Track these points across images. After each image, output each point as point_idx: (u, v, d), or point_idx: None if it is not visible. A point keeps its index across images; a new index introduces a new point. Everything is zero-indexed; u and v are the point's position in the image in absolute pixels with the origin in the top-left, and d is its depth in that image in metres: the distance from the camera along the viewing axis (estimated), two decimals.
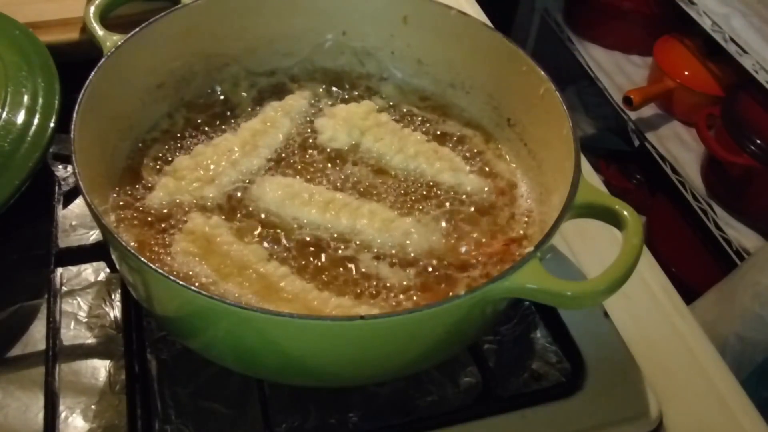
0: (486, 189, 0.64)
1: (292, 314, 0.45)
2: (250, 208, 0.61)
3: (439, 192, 0.64)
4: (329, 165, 0.65)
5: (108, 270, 0.64)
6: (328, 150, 0.66)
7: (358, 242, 0.58)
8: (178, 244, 0.56)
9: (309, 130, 0.68)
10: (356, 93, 0.72)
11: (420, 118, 0.70)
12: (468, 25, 0.67)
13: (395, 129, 0.68)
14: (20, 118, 0.63)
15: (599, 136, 1.97)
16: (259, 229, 0.59)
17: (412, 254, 0.58)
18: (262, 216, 0.60)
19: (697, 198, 1.52)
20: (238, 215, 0.60)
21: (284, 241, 0.58)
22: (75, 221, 0.69)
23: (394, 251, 0.58)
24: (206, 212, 0.60)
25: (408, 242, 0.58)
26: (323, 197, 0.60)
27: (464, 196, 0.63)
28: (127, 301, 0.60)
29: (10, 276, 0.64)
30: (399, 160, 0.65)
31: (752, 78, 1.34)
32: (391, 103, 0.72)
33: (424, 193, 0.63)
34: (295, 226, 0.59)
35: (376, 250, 0.58)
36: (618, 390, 0.59)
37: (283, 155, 0.66)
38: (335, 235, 0.59)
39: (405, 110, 0.71)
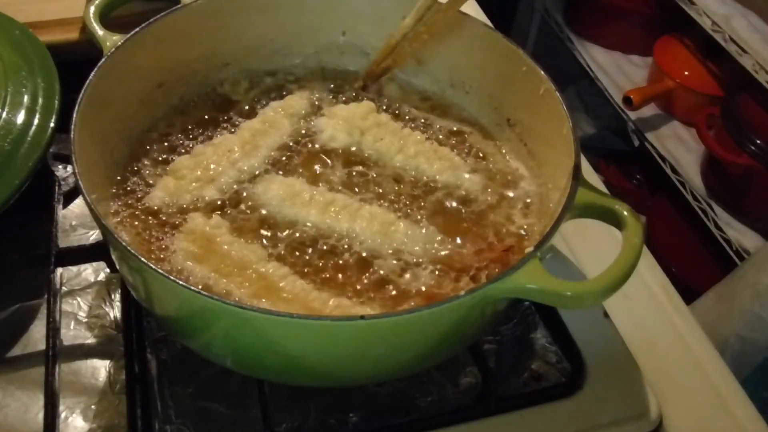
0: (486, 189, 0.64)
1: (291, 314, 0.45)
2: (251, 208, 0.61)
3: (438, 192, 0.64)
4: (329, 165, 0.65)
5: (108, 270, 0.64)
6: (328, 150, 0.66)
7: (357, 244, 0.58)
8: (179, 243, 0.56)
9: (309, 130, 0.68)
10: (356, 93, 0.72)
11: (420, 118, 0.70)
12: (468, 25, 0.67)
13: (395, 129, 0.68)
14: (20, 118, 0.63)
15: (599, 136, 1.96)
16: (260, 229, 0.59)
17: (412, 257, 0.58)
18: (263, 216, 0.60)
19: (697, 198, 1.52)
20: (239, 215, 0.60)
21: (284, 241, 0.58)
22: (75, 221, 0.69)
23: (393, 254, 0.58)
24: (206, 212, 0.60)
25: (407, 245, 0.58)
26: (324, 198, 0.60)
27: (464, 197, 0.63)
28: (127, 301, 0.60)
29: (10, 276, 0.64)
30: (399, 160, 0.65)
31: (752, 78, 1.34)
32: (392, 103, 0.72)
33: (424, 193, 0.63)
34: (296, 226, 0.59)
35: (375, 253, 0.58)
36: (618, 390, 0.59)
37: (283, 155, 0.66)
38: (335, 237, 0.59)
39: (405, 110, 0.71)
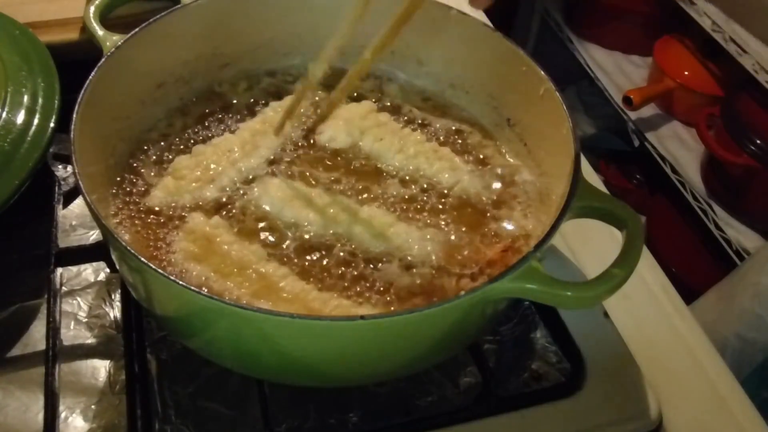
0: (485, 189, 0.64)
1: (291, 314, 0.45)
2: (251, 210, 0.60)
3: (438, 193, 0.64)
4: (329, 165, 0.65)
5: (108, 270, 0.64)
6: (328, 150, 0.66)
7: (356, 245, 0.58)
8: (179, 243, 0.56)
9: (309, 130, 0.68)
10: (356, 93, 0.72)
11: (420, 118, 0.70)
12: (468, 25, 0.67)
13: (395, 129, 0.68)
14: (20, 118, 0.63)
15: (599, 136, 1.96)
16: (259, 230, 0.59)
17: (411, 258, 0.58)
18: (263, 217, 0.60)
19: (697, 198, 1.52)
20: (239, 215, 0.60)
21: (284, 242, 0.58)
22: (75, 221, 0.69)
23: (393, 255, 0.58)
24: (206, 212, 0.60)
25: (406, 247, 0.58)
26: (322, 200, 0.60)
27: (464, 197, 0.63)
28: (127, 301, 0.60)
29: (10, 276, 0.64)
30: (399, 160, 0.65)
31: (752, 78, 1.34)
32: (391, 103, 0.72)
33: (424, 194, 0.63)
34: (295, 228, 0.59)
35: (375, 254, 0.58)
36: (618, 390, 0.59)
37: (283, 155, 0.65)
38: (334, 238, 0.59)
39: (406, 110, 0.71)
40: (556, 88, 0.59)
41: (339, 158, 0.66)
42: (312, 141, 0.67)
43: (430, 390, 0.59)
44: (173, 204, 0.60)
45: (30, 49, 0.70)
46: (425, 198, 0.63)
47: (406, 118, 0.70)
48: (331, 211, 0.60)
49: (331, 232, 0.59)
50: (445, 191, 0.64)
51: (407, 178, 0.65)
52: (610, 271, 0.48)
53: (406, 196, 0.63)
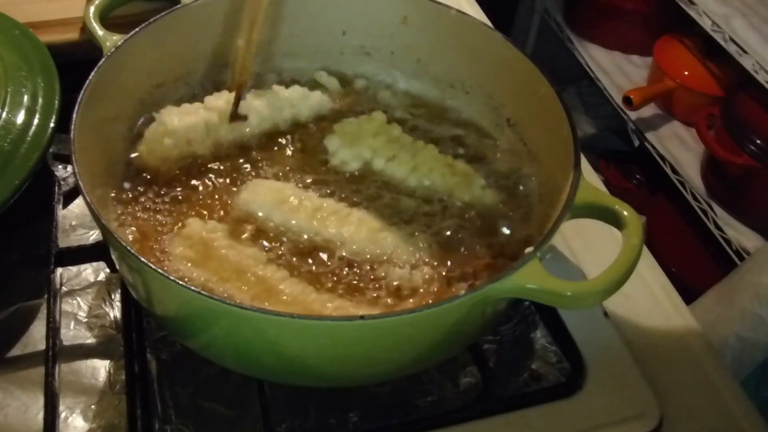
0: (485, 189, 0.64)
1: (292, 314, 0.45)
2: (244, 213, 0.60)
3: (437, 198, 0.63)
4: (339, 183, 0.64)
5: (108, 270, 0.64)
6: (340, 173, 0.65)
7: (348, 249, 0.58)
8: (176, 249, 0.56)
9: (319, 145, 0.67)
10: (356, 92, 0.72)
11: (419, 119, 0.70)
12: (468, 25, 0.67)
13: (407, 143, 0.66)
14: (20, 118, 0.63)
15: (599, 136, 1.96)
16: (256, 234, 0.59)
17: (406, 263, 0.58)
18: (257, 221, 0.60)
19: (697, 198, 1.52)
20: (234, 220, 0.60)
21: (280, 246, 0.58)
22: (75, 221, 0.69)
23: (384, 260, 0.58)
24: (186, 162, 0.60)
25: (396, 253, 0.58)
26: (312, 203, 0.60)
27: (463, 199, 0.63)
28: (127, 301, 0.60)
29: (10, 276, 0.64)
30: (414, 180, 0.64)
31: (752, 78, 1.34)
32: (391, 104, 0.71)
33: (423, 200, 0.63)
34: (287, 231, 0.59)
35: (368, 258, 0.58)
36: (618, 390, 0.59)
37: (292, 174, 0.65)
38: (326, 242, 0.58)
39: (405, 111, 0.71)
40: (556, 88, 0.59)
41: (352, 180, 0.65)
42: (324, 160, 0.66)
43: (430, 390, 0.59)
44: (159, 155, 0.61)
45: (30, 49, 0.69)
46: (423, 201, 0.63)
47: (404, 117, 0.70)
48: (319, 215, 0.59)
49: (319, 236, 0.58)
50: (444, 197, 0.63)
51: (421, 195, 0.63)
52: (610, 271, 0.48)
53: (413, 208, 0.62)
